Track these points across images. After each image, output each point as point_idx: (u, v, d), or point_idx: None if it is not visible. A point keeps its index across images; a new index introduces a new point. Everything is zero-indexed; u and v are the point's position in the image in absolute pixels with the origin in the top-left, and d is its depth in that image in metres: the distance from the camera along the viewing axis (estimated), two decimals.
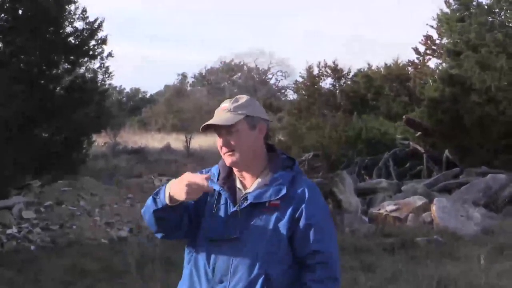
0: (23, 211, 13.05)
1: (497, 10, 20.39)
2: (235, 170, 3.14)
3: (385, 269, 9.26)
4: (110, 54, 17.43)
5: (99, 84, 17.89)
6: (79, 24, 16.89)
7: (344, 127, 23.63)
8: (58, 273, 9.30)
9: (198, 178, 2.87)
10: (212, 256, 3.02)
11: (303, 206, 2.96)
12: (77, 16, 16.82)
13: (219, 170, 3.18)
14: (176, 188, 2.91)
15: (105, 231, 12.49)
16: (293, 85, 42.81)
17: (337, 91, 33.64)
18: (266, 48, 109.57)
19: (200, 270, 3.06)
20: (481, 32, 19.33)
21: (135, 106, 56.29)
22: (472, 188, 14.54)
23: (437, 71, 27.18)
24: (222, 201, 3.08)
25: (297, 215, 2.96)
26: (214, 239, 3.02)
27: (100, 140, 27.17)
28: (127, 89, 60.56)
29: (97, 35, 17.10)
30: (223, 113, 3.07)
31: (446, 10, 22.28)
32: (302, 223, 2.95)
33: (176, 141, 33.73)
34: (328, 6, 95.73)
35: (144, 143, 31.96)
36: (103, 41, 17.05)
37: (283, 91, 53.06)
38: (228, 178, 3.14)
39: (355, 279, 8.72)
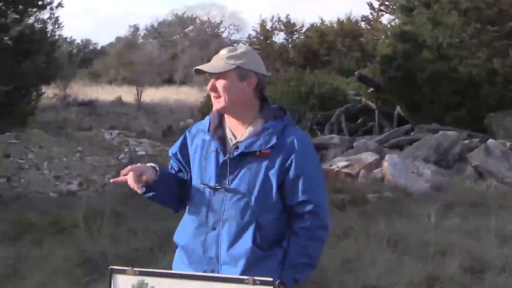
0: None
1: None
2: (226, 119, 3.21)
3: (336, 225, 9.22)
4: (60, 4, 17.06)
5: (48, 35, 17.53)
6: None
7: (296, 82, 23.57)
8: (3, 227, 9.12)
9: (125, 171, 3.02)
10: (205, 202, 3.10)
11: (293, 156, 3.04)
12: None
13: (210, 120, 3.23)
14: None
15: (53, 185, 12.27)
16: (245, 39, 42.60)
17: (290, 46, 33.57)
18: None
19: (195, 215, 3.15)
20: None
21: (86, 58, 55.46)
22: (423, 145, 14.62)
23: (389, 26, 27.27)
24: (212, 148, 3.15)
25: (286, 165, 3.04)
26: (207, 185, 3.10)
27: (49, 92, 26.72)
28: (78, 41, 59.69)
29: None
30: (218, 60, 3.11)
31: None
32: (291, 173, 3.03)
33: (127, 94, 33.40)
34: None
35: (95, 95, 31.57)
36: None
37: (235, 44, 52.69)
38: (218, 127, 3.20)
39: None
